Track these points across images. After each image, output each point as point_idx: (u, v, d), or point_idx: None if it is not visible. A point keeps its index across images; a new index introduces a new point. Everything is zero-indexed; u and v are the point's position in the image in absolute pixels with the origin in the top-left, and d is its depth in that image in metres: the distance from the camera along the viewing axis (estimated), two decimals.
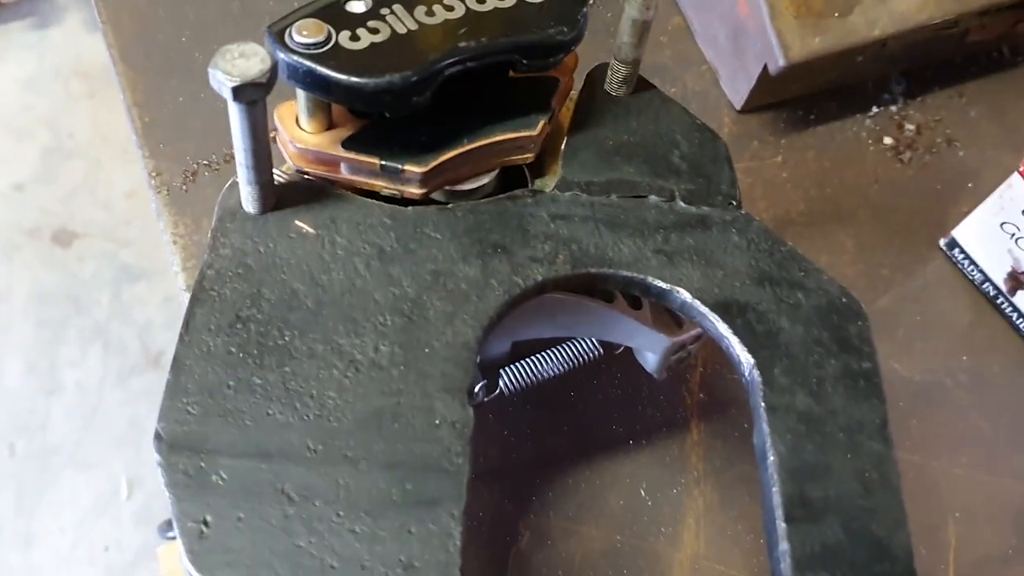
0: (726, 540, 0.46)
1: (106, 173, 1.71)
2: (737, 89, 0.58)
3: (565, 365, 0.46)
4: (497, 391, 0.46)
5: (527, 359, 0.46)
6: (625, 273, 0.35)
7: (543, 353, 0.46)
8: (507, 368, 0.46)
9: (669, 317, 0.45)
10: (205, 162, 0.52)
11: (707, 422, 0.49)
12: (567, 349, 0.46)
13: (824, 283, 0.35)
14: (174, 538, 0.85)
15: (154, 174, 0.52)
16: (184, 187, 0.52)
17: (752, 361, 0.33)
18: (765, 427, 0.32)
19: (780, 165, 0.58)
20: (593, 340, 0.47)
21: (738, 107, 0.59)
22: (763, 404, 0.32)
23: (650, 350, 0.45)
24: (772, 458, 0.31)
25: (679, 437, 0.49)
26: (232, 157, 0.52)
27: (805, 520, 0.30)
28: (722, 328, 0.34)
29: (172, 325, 1.65)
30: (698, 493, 0.47)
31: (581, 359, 0.47)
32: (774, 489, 0.30)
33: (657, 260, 0.35)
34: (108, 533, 1.43)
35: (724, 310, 0.34)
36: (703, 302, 0.34)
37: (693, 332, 0.45)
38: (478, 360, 0.44)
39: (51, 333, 1.56)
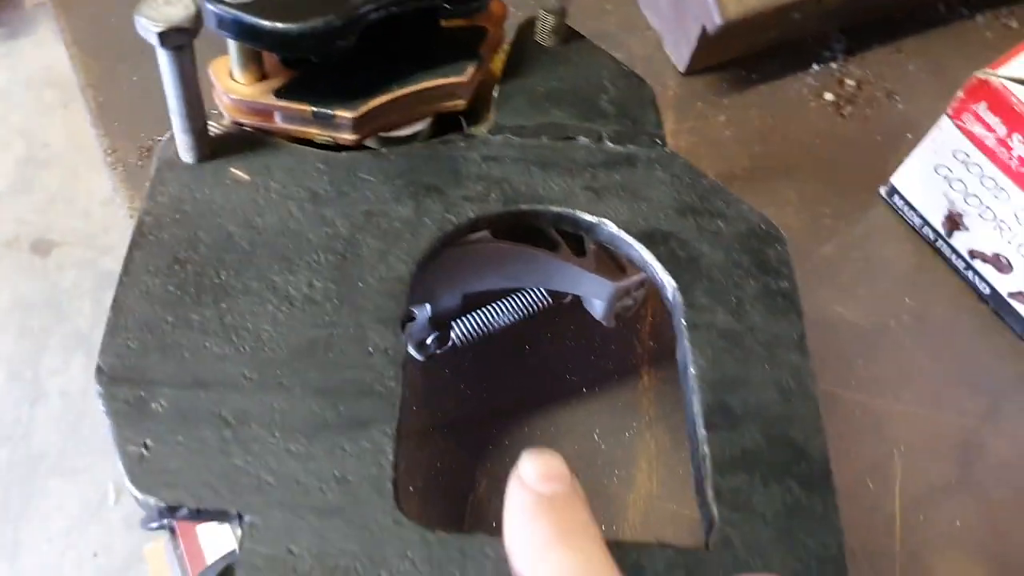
0: (677, 480, 0.48)
1: (83, 181, 1.72)
2: (680, 52, 0.60)
3: (515, 315, 0.48)
4: (449, 343, 0.47)
5: (477, 310, 0.47)
6: (555, 209, 0.36)
7: (493, 304, 0.48)
8: (458, 320, 0.47)
9: (613, 264, 0.47)
10: (160, 138, 0.53)
11: (657, 369, 0.51)
12: (516, 299, 0.48)
13: (744, 212, 0.37)
14: (156, 528, 0.85)
15: (110, 151, 0.53)
16: (139, 163, 0.53)
17: (675, 284, 0.34)
18: (687, 343, 0.33)
19: (724, 124, 0.59)
20: (541, 290, 0.48)
21: (682, 70, 0.60)
22: (684, 322, 0.33)
23: (596, 296, 0.47)
24: (693, 371, 0.32)
25: (630, 384, 0.50)
26: None
27: (725, 427, 0.31)
28: (646, 255, 0.35)
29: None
30: (650, 436, 0.49)
31: (530, 308, 0.48)
32: (695, 399, 0.32)
33: (585, 196, 0.36)
34: (97, 539, 1.44)
35: (648, 239, 0.35)
36: (628, 232, 0.36)
37: (636, 278, 0.46)
38: (429, 311, 0.45)
39: (33, 342, 1.57)
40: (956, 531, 0.48)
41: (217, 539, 0.95)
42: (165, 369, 0.30)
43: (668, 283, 0.34)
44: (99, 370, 0.30)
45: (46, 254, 1.64)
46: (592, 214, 0.36)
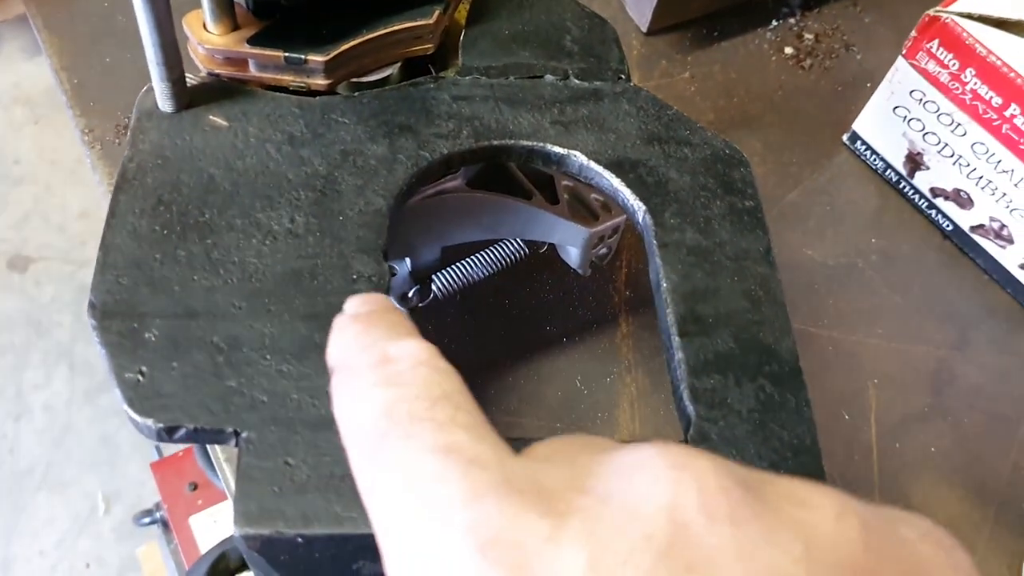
0: (659, 419, 0.49)
1: (57, 197, 1.71)
2: (642, 12, 0.61)
3: (493, 266, 0.49)
4: (431, 296, 0.48)
5: (457, 263, 0.49)
6: (525, 143, 0.37)
7: (471, 256, 0.49)
8: (438, 273, 0.48)
9: (585, 211, 0.48)
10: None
11: (634, 316, 0.52)
12: (494, 251, 0.49)
13: (709, 138, 0.38)
14: (149, 523, 0.86)
15: (86, 131, 0.54)
16: (116, 140, 0.54)
17: (644, 207, 0.36)
18: (658, 261, 0.34)
19: (688, 80, 0.61)
20: (518, 240, 0.49)
21: (644, 29, 0.62)
22: (655, 242, 0.35)
23: (571, 244, 0.48)
24: (665, 285, 0.33)
25: (609, 332, 0.51)
26: None
27: (698, 334, 0.32)
28: (616, 183, 0.36)
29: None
30: (630, 380, 0.50)
31: (508, 259, 0.49)
32: (668, 311, 0.33)
33: (554, 130, 0.38)
34: (89, 550, 1.43)
35: (617, 167, 0.37)
36: (598, 162, 0.37)
37: (610, 223, 0.47)
38: (409, 266, 0.46)
39: (14, 358, 1.57)
40: (931, 456, 0.50)
41: (210, 529, 0.95)
42: (156, 302, 0.31)
43: (638, 207, 0.36)
44: (91, 305, 0.31)
45: (23, 270, 1.64)
46: (562, 146, 0.37)
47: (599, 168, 0.37)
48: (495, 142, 0.37)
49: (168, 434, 0.29)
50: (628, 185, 0.36)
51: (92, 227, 1.67)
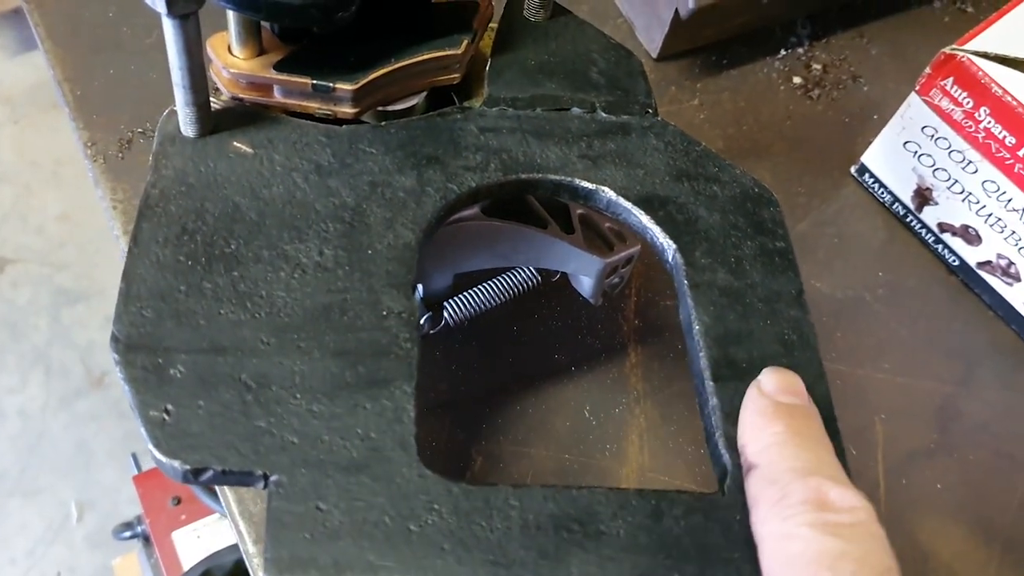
0: (669, 452, 0.48)
1: (36, 198, 1.69)
2: (652, 38, 0.61)
3: (506, 294, 0.48)
4: (442, 323, 0.48)
5: (469, 290, 0.48)
6: (553, 177, 0.37)
7: (484, 284, 0.48)
8: (450, 300, 0.48)
9: (600, 241, 0.47)
10: (140, 130, 0.53)
11: (644, 346, 0.52)
12: (506, 278, 0.48)
13: (737, 176, 0.38)
14: (130, 538, 0.84)
15: (89, 144, 0.53)
16: (120, 155, 0.53)
17: (674, 246, 0.35)
18: (689, 302, 0.34)
19: (697, 108, 0.61)
20: (531, 268, 0.49)
21: (654, 55, 0.61)
22: (686, 282, 0.34)
23: (585, 274, 0.48)
24: (697, 327, 0.33)
25: (618, 361, 0.51)
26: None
27: (732, 378, 0.32)
28: (645, 220, 0.36)
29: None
30: (639, 411, 0.49)
31: (520, 287, 0.49)
32: (701, 354, 0.33)
33: (582, 164, 0.37)
34: (61, 559, 1.41)
35: (646, 204, 0.36)
36: (627, 198, 0.36)
37: (624, 253, 0.47)
38: (421, 292, 0.46)
39: None
40: (937, 493, 0.50)
41: (193, 545, 0.94)
42: (181, 336, 0.30)
43: (668, 245, 0.35)
44: (114, 338, 0.30)
45: (0, 271, 1.61)
46: (590, 181, 0.37)
47: (628, 204, 0.36)
48: (523, 176, 0.37)
49: (195, 476, 0.28)
50: (658, 223, 0.36)
51: (71, 229, 1.65)
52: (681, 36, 0.60)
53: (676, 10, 0.57)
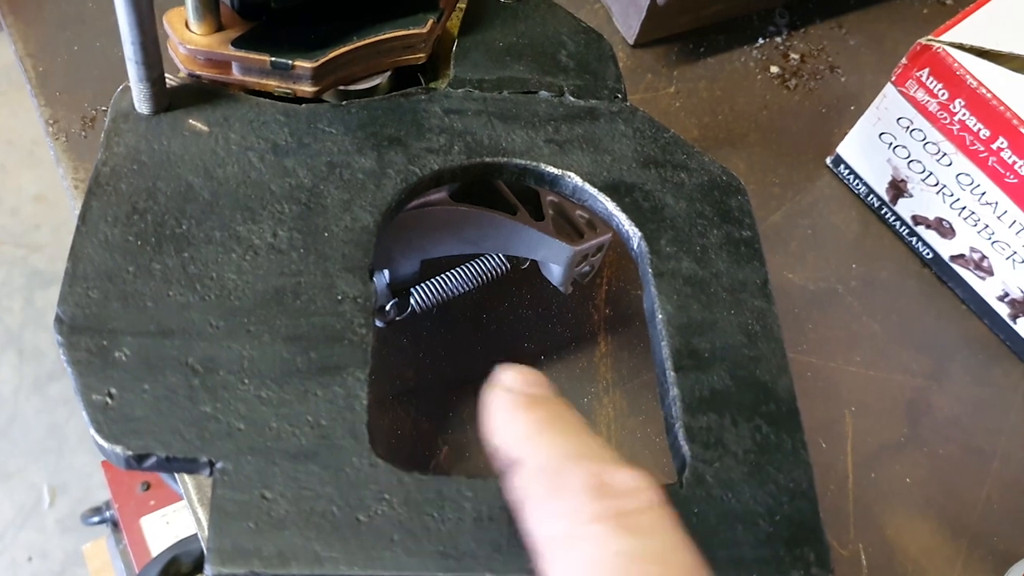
0: (636, 443, 0.48)
1: (11, 178, 1.67)
2: (629, 24, 0.60)
3: (474, 281, 0.48)
4: (409, 310, 0.47)
5: (436, 277, 0.47)
6: (518, 161, 0.36)
7: (452, 270, 0.47)
8: (417, 287, 0.47)
9: (570, 228, 0.47)
10: (104, 108, 0.52)
11: (613, 335, 0.51)
12: (475, 265, 0.48)
13: (706, 164, 0.37)
14: (98, 523, 0.83)
15: (51, 122, 0.52)
16: (83, 133, 0.52)
17: (640, 234, 0.35)
18: (653, 291, 0.33)
19: (673, 95, 0.60)
20: (500, 256, 0.48)
21: (631, 42, 0.61)
22: (651, 270, 0.34)
23: (554, 261, 0.47)
24: (660, 316, 0.32)
25: (588, 351, 0.50)
26: None
27: (694, 369, 0.31)
28: (611, 207, 0.35)
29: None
30: (608, 401, 0.49)
31: (489, 275, 0.48)
32: (663, 343, 0.32)
33: (549, 148, 0.36)
34: (31, 543, 1.40)
35: (612, 191, 0.36)
36: (593, 184, 0.36)
37: (595, 242, 0.46)
38: (387, 277, 0.45)
39: None
40: (905, 487, 0.49)
41: (161, 531, 0.93)
42: (128, 318, 0.29)
43: (633, 233, 0.35)
44: (58, 319, 0.29)
45: None
46: (556, 167, 0.36)
47: (594, 191, 0.36)
48: (487, 159, 0.36)
49: (137, 462, 0.27)
50: (623, 210, 0.35)
51: (46, 211, 1.63)
52: (658, 23, 0.59)
53: None
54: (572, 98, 0.38)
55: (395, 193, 0.34)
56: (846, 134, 0.58)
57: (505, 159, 0.36)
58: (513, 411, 0.25)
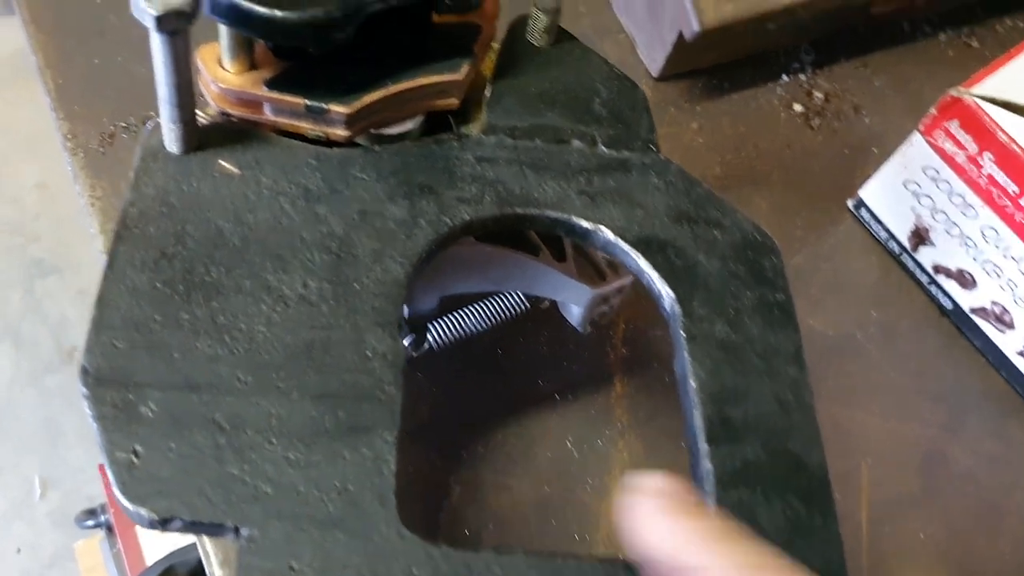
0: None
1: (12, 167, 1.65)
2: (654, 57, 0.60)
3: (493, 319, 0.47)
4: (426, 346, 0.46)
5: (454, 313, 0.47)
6: (550, 213, 0.36)
7: (470, 307, 0.47)
8: (435, 322, 0.46)
9: (592, 270, 0.46)
10: (123, 124, 0.51)
11: (630, 377, 0.50)
12: (494, 303, 0.47)
13: (739, 221, 0.37)
14: (93, 527, 0.82)
15: (69, 136, 0.51)
16: (101, 149, 0.51)
17: (672, 295, 0.34)
18: (686, 355, 0.33)
19: (696, 131, 0.59)
20: (519, 294, 0.48)
21: (655, 75, 0.60)
22: (683, 333, 0.33)
23: (574, 303, 0.46)
24: (693, 383, 0.32)
25: (604, 391, 0.50)
26: (152, 119, 0.52)
27: (726, 440, 0.31)
28: (643, 264, 0.35)
29: (87, 319, 1.61)
30: (623, 445, 0.48)
31: (508, 313, 0.47)
32: (696, 412, 0.31)
33: (580, 201, 0.36)
34: (21, 535, 1.39)
35: (645, 247, 0.35)
36: (625, 240, 0.35)
37: (615, 284, 0.46)
38: (406, 312, 0.44)
39: None
40: (920, 542, 0.49)
41: (157, 538, 0.92)
42: (154, 370, 0.29)
43: (666, 293, 0.34)
44: (84, 371, 0.28)
45: None
46: (588, 220, 0.36)
47: (626, 247, 0.35)
48: (519, 210, 0.35)
49: (162, 524, 0.27)
50: (656, 268, 0.34)
51: (47, 200, 1.62)
52: (683, 57, 0.58)
53: (680, 32, 0.56)
54: (605, 148, 0.38)
55: (426, 244, 0.33)
56: (868, 176, 0.57)
57: (537, 211, 0.35)
58: (675, 517, 0.24)
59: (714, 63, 0.61)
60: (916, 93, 0.63)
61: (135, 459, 0.27)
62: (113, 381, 0.28)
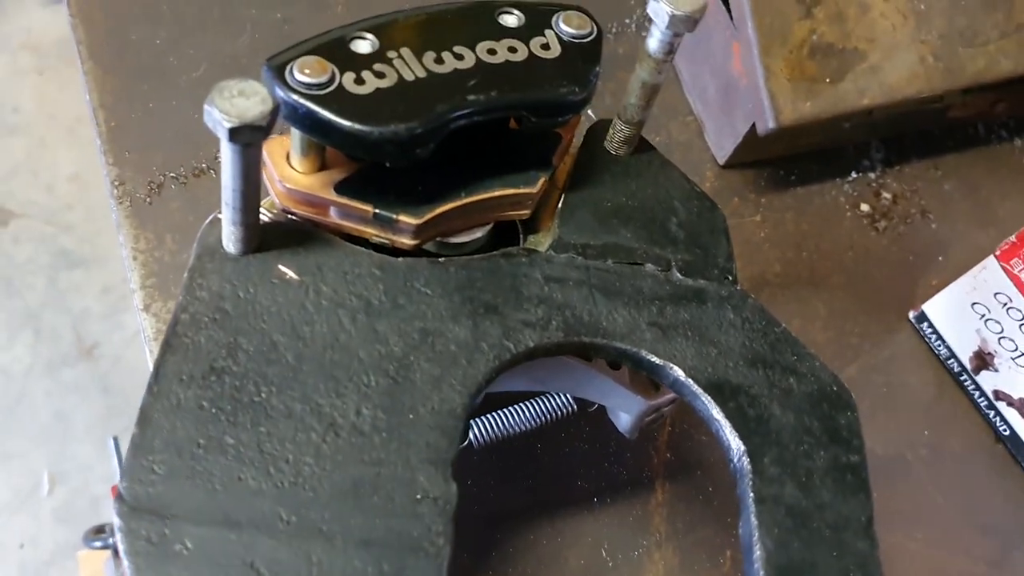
0: None
1: (50, 153, 1.65)
2: (722, 144, 0.58)
3: (538, 420, 0.45)
4: (466, 442, 0.45)
5: (499, 411, 0.45)
6: (619, 345, 0.34)
7: (516, 406, 0.45)
8: (478, 419, 0.45)
9: (646, 379, 0.44)
10: (172, 174, 0.50)
11: (672, 483, 0.49)
12: (541, 404, 0.45)
13: (816, 369, 0.35)
14: (100, 547, 0.80)
15: (117, 183, 0.50)
16: (148, 199, 0.49)
17: (743, 448, 0.32)
18: (753, 519, 0.31)
19: (759, 224, 0.57)
20: (567, 396, 0.46)
21: (721, 162, 0.58)
22: (752, 494, 0.31)
23: (625, 411, 0.44)
24: (759, 552, 0.30)
25: (643, 497, 0.48)
26: (203, 171, 0.50)
27: None
28: (714, 411, 0.33)
29: (109, 316, 1.59)
30: (659, 556, 0.46)
31: (554, 415, 0.45)
32: None
33: (651, 333, 0.34)
34: (24, 529, 1.37)
35: (717, 391, 0.33)
36: (696, 381, 0.33)
37: (669, 396, 0.44)
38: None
39: None
40: None
41: None
42: (193, 502, 0.27)
43: (736, 446, 0.32)
44: (120, 499, 0.27)
45: (3, 224, 1.58)
46: (658, 355, 0.34)
47: (697, 389, 0.33)
48: (585, 339, 0.33)
49: None
50: (728, 416, 0.33)
51: (80, 191, 1.61)
52: (752, 148, 0.57)
53: (753, 124, 0.54)
54: (680, 275, 0.36)
55: (486, 371, 0.32)
56: (931, 286, 0.55)
57: (605, 341, 0.34)
58: None
59: (782, 155, 0.59)
60: (986, 201, 0.61)
61: None
62: (149, 511, 0.27)
